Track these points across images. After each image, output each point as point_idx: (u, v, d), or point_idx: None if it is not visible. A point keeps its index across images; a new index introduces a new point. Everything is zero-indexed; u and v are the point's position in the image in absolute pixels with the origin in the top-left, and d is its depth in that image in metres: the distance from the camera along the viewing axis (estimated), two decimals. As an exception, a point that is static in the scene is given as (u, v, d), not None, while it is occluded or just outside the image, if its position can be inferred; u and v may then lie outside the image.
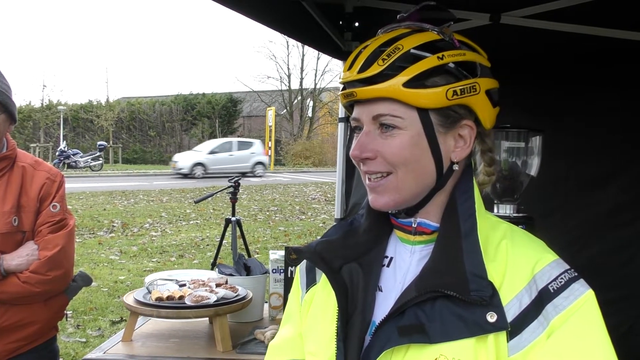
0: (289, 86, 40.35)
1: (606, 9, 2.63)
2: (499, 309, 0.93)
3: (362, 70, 1.01)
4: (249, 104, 40.41)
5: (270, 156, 32.13)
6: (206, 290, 2.29)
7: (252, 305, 2.42)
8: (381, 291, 1.07)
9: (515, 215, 2.46)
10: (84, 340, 5.21)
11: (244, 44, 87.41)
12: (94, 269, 7.76)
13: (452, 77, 1.01)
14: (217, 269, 2.65)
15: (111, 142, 33.45)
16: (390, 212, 1.10)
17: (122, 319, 5.66)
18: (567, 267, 1.00)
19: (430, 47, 1.01)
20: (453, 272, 0.97)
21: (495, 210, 2.52)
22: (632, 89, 2.97)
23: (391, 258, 1.10)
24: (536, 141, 2.53)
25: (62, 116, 32.57)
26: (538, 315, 0.94)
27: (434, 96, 0.99)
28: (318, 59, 39.89)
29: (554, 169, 2.74)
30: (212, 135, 35.65)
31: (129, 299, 2.27)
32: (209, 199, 8.63)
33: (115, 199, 15.69)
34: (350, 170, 3.71)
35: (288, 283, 2.48)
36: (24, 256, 2.17)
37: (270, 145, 32.22)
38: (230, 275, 2.53)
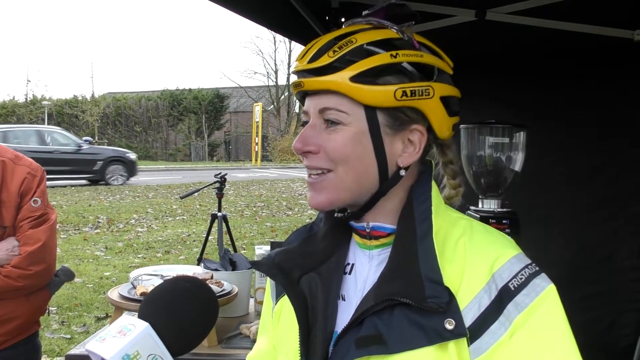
0: (276, 82, 40.30)
1: (590, 6, 2.65)
2: (457, 315, 0.90)
3: (312, 60, 0.98)
4: (236, 99, 40.29)
5: (257, 152, 32.09)
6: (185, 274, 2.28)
7: (238, 300, 2.42)
8: (344, 300, 1.03)
9: (499, 210, 2.48)
10: (68, 336, 5.18)
11: (231, 39, 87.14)
12: (79, 265, 7.71)
13: (406, 78, 0.97)
14: (202, 264, 2.65)
15: (96, 137, 33.20)
16: (337, 214, 1.06)
17: (107, 315, 5.63)
18: (528, 261, 0.97)
19: (385, 44, 0.97)
20: (409, 278, 0.93)
21: (480, 206, 2.54)
22: (615, 85, 3.00)
23: (352, 265, 1.06)
24: (520, 137, 2.55)
25: (46, 111, 32.31)
26: (499, 315, 0.90)
27: (382, 94, 0.95)
28: (305, 54, 39.73)
29: (538, 164, 2.77)
30: (199, 131, 35.54)
31: (114, 294, 2.26)
32: (196, 194, 8.57)
33: (101, 195, 15.60)
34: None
35: (274, 278, 2.48)
36: (4, 251, 2.16)
37: (257, 141, 32.17)
38: (216, 270, 2.53)
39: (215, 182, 5.82)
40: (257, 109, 32.89)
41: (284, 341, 1.09)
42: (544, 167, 3.03)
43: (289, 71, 40.97)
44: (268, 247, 2.55)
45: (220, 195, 5.86)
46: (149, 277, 2.38)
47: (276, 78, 40.39)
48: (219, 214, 5.78)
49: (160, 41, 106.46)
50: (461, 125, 2.63)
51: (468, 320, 0.91)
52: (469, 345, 0.90)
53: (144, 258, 8.28)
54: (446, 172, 1.11)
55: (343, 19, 3.49)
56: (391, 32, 0.99)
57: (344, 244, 1.08)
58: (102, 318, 5.67)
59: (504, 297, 0.91)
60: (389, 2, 1.03)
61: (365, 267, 1.05)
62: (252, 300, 2.64)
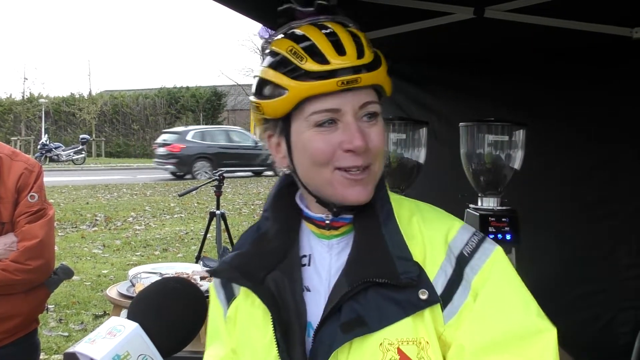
0: (274, 80, 40.18)
1: (589, 4, 2.65)
2: (428, 285, 0.98)
3: (360, 56, 0.98)
4: (234, 97, 40.22)
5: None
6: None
7: (237, 298, 2.42)
8: (309, 291, 1.06)
9: (499, 208, 2.48)
10: (66, 334, 5.17)
11: (229, 37, 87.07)
12: (76, 263, 7.69)
13: None
14: (201, 262, 2.64)
15: (94, 135, 33.18)
16: (333, 209, 1.06)
17: (105, 313, 5.62)
18: (473, 229, 1.07)
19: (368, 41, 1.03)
20: (379, 259, 0.99)
21: (479, 204, 2.54)
22: (614, 83, 3.01)
23: (309, 256, 1.08)
24: (520, 135, 2.55)
25: (43, 109, 32.24)
26: (461, 280, 0.99)
27: (389, 85, 1.04)
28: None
29: (537, 162, 2.77)
30: (196, 129, 35.47)
31: (113, 292, 2.26)
32: (194, 192, 8.56)
33: (98, 193, 15.57)
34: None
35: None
36: (2, 246, 2.16)
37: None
38: (210, 272, 2.53)
39: (213, 180, 5.81)
40: (255, 106, 32.84)
41: (247, 341, 1.09)
42: (543, 165, 3.03)
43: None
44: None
45: (218, 193, 5.85)
46: (148, 275, 2.38)
47: (274, 76, 40.31)
48: (218, 211, 5.77)
49: (157, 39, 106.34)
50: (460, 123, 2.63)
51: (439, 289, 0.99)
52: (442, 310, 0.98)
53: (142, 256, 8.27)
54: None
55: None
56: (356, 30, 1.04)
57: (295, 238, 1.10)
58: (100, 316, 5.67)
59: (461, 263, 1.01)
60: (318, 3, 1.04)
61: (325, 256, 1.08)
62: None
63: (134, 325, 1.00)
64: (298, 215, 1.11)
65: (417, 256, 1.00)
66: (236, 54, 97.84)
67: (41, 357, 4.50)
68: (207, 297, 1.17)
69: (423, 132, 2.59)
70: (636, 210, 3.03)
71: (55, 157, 26.46)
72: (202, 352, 2.12)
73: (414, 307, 0.97)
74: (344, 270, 1.02)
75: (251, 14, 2.86)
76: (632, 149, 2.99)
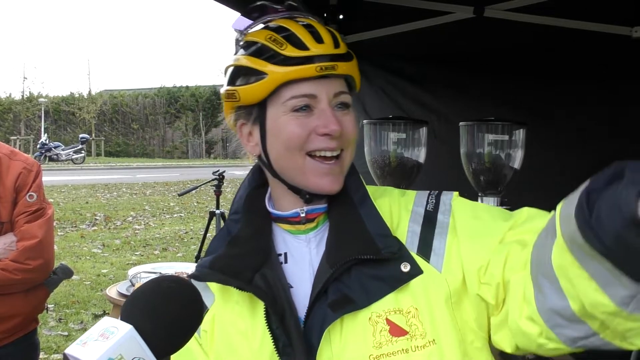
0: (274, 79, 40.19)
1: (589, 3, 2.65)
2: (409, 258, 1.02)
3: (337, 45, 1.04)
4: (233, 96, 40.19)
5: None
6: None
7: (236, 297, 2.42)
8: (292, 287, 1.07)
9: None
10: (65, 333, 5.17)
11: (228, 36, 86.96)
12: (76, 262, 7.69)
13: None
14: (201, 262, 2.64)
15: (93, 135, 33.16)
16: (305, 197, 1.08)
17: (104, 313, 5.62)
18: (428, 191, 1.12)
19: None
20: (360, 238, 1.03)
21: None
22: (614, 82, 3.00)
23: (285, 254, 1.10)
24: (519, 134, 2.54)
25: (43, 109, 32.21)
26: (434, 228, 1.05)
27: (359, 80, 1.08)
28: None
29: (537, 161, 2.77)
30: (196, 129, 35.48)
31: (112, 291, 2.26)
32: (193, 191, 8.55)
33: (98, 192, 15.57)
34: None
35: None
36: (1, 245, 2.16)
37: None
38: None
39: (213, 180, 5.82)
40: (255, 106, 32.84)
41: (231, 353, 1.08)
42: (544, 165, 3.03)
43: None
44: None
45: (218, 192, 5.85)
46: (147, 275, 2.38)
47: (273, 75, 40.33)
48: (217, 211, 5.78)
49: (157, 38, 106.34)
50: (460, 123, 2.63)
51: (414, 248, 1.04)
52: (429, 264, 1.02)
53: (142, 255, 8.27)
54: None
55: (341, 16, 3.48)
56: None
57: (268, 238, 1.12)
58: (99, 315, 5.66)
59: (430, 218, 1.06)
60: (287, 3, 1.11)
61: (304, 251, 1.09)
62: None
63: (127, 328, 0.96)
64: (268, 217, 1.13)
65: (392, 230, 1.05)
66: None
67: (41, 356, 4.50)
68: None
69: (423, 131, 2.59)
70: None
71: (55, 156, 26.45)
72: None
73: (397, 280, 1.01)
74: (325, 255, 1.04)
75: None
76: (633, 147, 2.98)
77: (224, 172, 5.87)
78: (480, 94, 3.24)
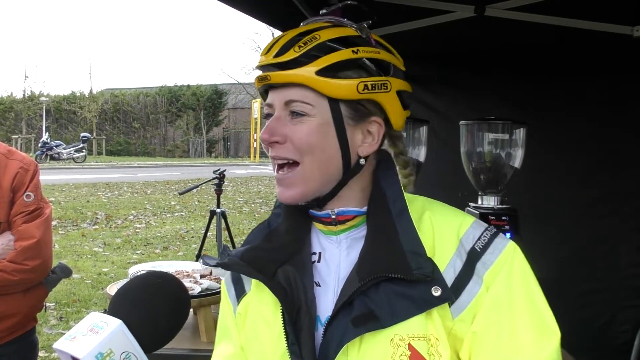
0: (275, 78, 40.14)
1: (589, 3, 2.65)
2: (442, 282, 0.98)
3: (278, 55, 1.03)
4: (234, 95, 40.22)
5: (255, 148, 32.08)
6: (190, 281, 2.28)
7: (237, 296, 2.42)
8: (319, 286, 1.07)
9: (499, 207, 2.48)
10: (66, 332, 5.18)
11: (230, 35, 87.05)
12: (77, 261, 7.70)
13: (365, 72, 1.04)
14: (201, 260, 2.64)
15: (94, 133, 33.18)
16: (300, 204, 1.09)
17: (105, 311, 5.62)
18: (486, 225, 1.06)
19: (346, 42, 1.03)
20: (392, 253, 1.00)
21: (479, 202, 2.54)
22: (615, 81, 3.00)
23: (319, 253, 1.10)
24: (520, 133, 2.54)
25: (44, 107, 32.23)
26: (472, 275, 0.99)
27: (346, 87, 1.01)
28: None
29: (537, 160, 2.76)
30: (197, 128, 35.48)
31: (113, 290, 2.26)
32: (194, 190, 8.58)
33: (99, 191, 15.57)
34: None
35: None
36: None
37: (255, 138, 32.14)
38: (215, 266, 2.53)
39: (214, 179, 5.82)
40: (256, 105, 32.84)
41: (255, 338, 1.11)
42: (544, 164, 3.03)
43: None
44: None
45: (219, 191, 5.85)
46: (148, 273, 2.38)
47: (275, 74, 40.27)
48: (218, 210, 5.78)
49: (158, 37, 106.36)
50: (461, 122, 2.63)
51: (448, 281, 0.99)
52: (450, 306, 0.98)
53: (142, 254, 8.27)
54: (398, 163, 1.17)
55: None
56: (350, 30, 1.05)
57: (306, 235, 1.12)
58: (100, 314, 5.67)
59: (472, 258, 1.01)
60: (345, 2, 1.10)
61: (334, 252, 1.09)
62: (250, 297, 2.63)
63: (117, 322, 0.98)
64: (307, 215, 1.13)
65: (428, 251, 1.00)
66: (237, 52, 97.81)
67: (42, 354, 4.51)
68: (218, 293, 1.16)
69: (423, 130, 2.59)
70: (637, 209, 3.03)
71: (56, 155, 26.46)
72: (201, 350, 2.12)
73: (426, 303, 0.97)
74: (356, 265, 1.03)
75: (252, 12, 2.86)
76: (634, 146, 2.98)
77: (224, 171, 5.88)
78: (481, 93, 3.24)
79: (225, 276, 1.20)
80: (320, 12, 1.09)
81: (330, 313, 1.03)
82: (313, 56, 1.01)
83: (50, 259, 2.31)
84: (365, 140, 1.07)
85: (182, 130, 35.87)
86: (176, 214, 11.94)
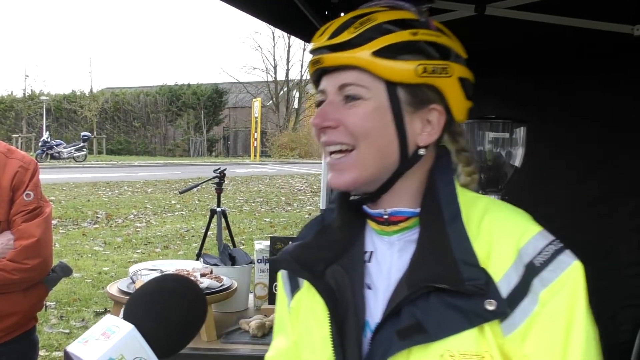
0: (275, 77, 40.23)
1: (590, 1, 2.65)
2: (497, 295, 0.91)
3: (332, 37, 0.99)
4: (235, 95, 40.22)
5: (256, 147, 32.08)
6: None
7: (237, 295, 2.42)
8: (369, 289, 1.03)
9: None
10: (67, 331, 5.18)
11: (230, 34, 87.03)
12: (77, 260, 7.70)
13: (424, 56, 0.98)
14: (201, 259, 2.64)
15: (95, 133, 33.18)
16: (353, 194, 1.06)
17: (106, 310, 5.63)
18: (552, 238, 0.97)
19: (404, 24, 0.99)
20: (442, 262, 0.94)
21: None
22: (615, 80, 3.00)
23: (371, 252, 1.06)
24: (520, 132, 2.54)
25: (44, 106, 32.24)
26: (527, 291, 0.91)
27: (404, 70, 0.97)
28: (304, 50, 39.72)
29: (538, 159, 2.76)
30: (198, 127, 35.48)
31: (113, 288, 2.26)
32: (194, 189, 8.56)
33: (100, 190, 15.58)
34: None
35: (273, 273, 2.48)
36: None
37: (256, 137, 32.14)
38: (215, 265, 2.53)
39: (214, 178, 5.82)
40: (256, 104, 32.85)
41: (307, 335, 1.08)
42: (544, 163, 3.02)
43: (287, 66, 41.04)
44: (267, 243, 2.54)
45: (219, 190, 5.86)
46: (148, 272, 2.38)
47: (275, 73, 40.38)
48: (218, 209, 5.78)
49: (158, 36, 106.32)
50: None
51: (503, 294, 0.92)
52: (500, 322, 0.91)
53: (143, 253, 8.28)
54: (460, 160, 1.11)
55: (342, 14, 3.48)
56: (409, 13, 1.01)
57: (360, 233, 1.08)
58: (100, 313, 5.67)
59: (529, 273, 0.92)
60: None
61: (386, 254, 1.04)
62: (251, 295, 2.64)
63: (129, 327, 0.96)
64: (362, 212, 1.08)
65: (481, 260, 0.93)
66: (237, 51, 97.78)
67: (42, 354, 4.51)
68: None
69: (424, 129, 2.60)
70: (637, 208, 3.03)
71: (57, 154, 26.47)
72: (201, 349, 2.12)
73: (479, 317, 0.90)
74: (406, 273, 0.97)
75: (252, 11, 2.86)
76: (634, 146, 2.98)
77: (224, 170, 5.88)
78: (481, 92, 3.21)
79: (282, 269, 1.17)
80: None
81: (378, 319, 0.98)
82: (369, 37, 0.96)
83: (51, 258, 2.31)
84: (425, 129, 1.01)
85: (182, 130, 35.87)
86: (176, 213, 11.94)
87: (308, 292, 1.08)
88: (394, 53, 0.96)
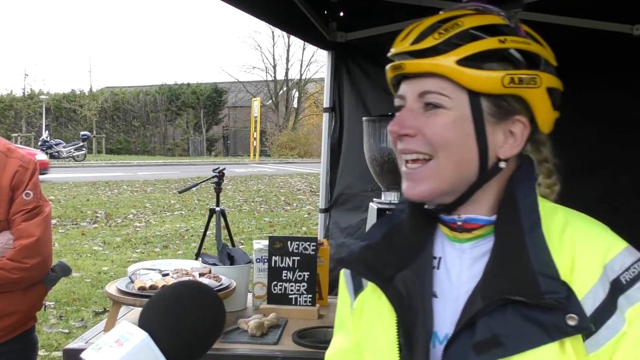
0: (275, 77, 40.21)
1: (589, 1, 2.65)
2: (579, 309, 0.87)
3: (415, 42, 0.95)
4: (234, 94, 40.23)
5: (255, 147, 32.08)
6: (189, 279, 2.28)
7: (236, 294, 2.42)
8: (436, 297, 0.99)
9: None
10: (66, 331, 5.18)
11: (230, 33, 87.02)
12: (77, 260, 7.70)
13: (511, 65, 0.94)
14: (200, 259, 2.64)
15: (94, 132, 33.16)
16: (427, 206, 1.02)
17: (105, 310, 5.62)
18: (639, 255, 0.93)
19: (492, 30, 0.94)
20: (520, 274, 0.90)
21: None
22: (615, 79, 3.00)
23: (440, 258, 1.02)
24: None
25: (44, 106, 32.23)
26: (615, 309, 0.88)
27: (489, 80, 0.92)
28: (304, 49, 39.78)
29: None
30: (197, 126, 35.48)
31: (112, 288, 2.26)
32: (194, 189, 8.56)
33: (99, 190, 15.57)
34: (334, 161, 3.71)
35: (272, 273, 2.48)
36: None
37: (255, 136, 32.14)
38: (214, 264, 2.53)
39: (213, 177, 5.82)
40: (256, 104, 32.86)
41: (371, 338, 1.05)
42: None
43: (287, 66, 40.95)
44: (266, 242, 2.54)
45: (218, 190, 5.85)
46: (147, 272, 2.38)
47: (274, 73, 40.34)
48: (217, 208, 5.78)
49: (158, 35, 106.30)
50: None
51: (588, 311, 0.88)
52: (584, 340, 0.88)
53: (142, 253, 8.27)
54: (540, 171, 1.07)
55: (342, 13, 3.48)
56: (497, 18, 0.96)
57: (430, 237, 1.04)
58: (100, 313, 5.67)
59: (615, 290, 0.88)
60: None
61: (456, 261, 1.00)
62: (250, 295, 2.63)
63: (143, 335, 0.94)
64: (433, 215, 1.04)
65: (563, 273, 0.89)
66: (237, 50, 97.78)
67: (41, 353, 4.51)
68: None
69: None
70: (637, 207, 3.03)
71: (56, 153, 26.45)
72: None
73: (560, 331, 0.86)
74: (480, 283, 0.94)
75: (252, 11, 2.86)
76: (633, 145, 2.98)
77: (224, 169, 5.87)
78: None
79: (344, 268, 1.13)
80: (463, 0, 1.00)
81: (447, 330, 0.96)
82: (454, 44, 0.92)
83: (50, 257, 2.31)
84: (507, 142, 0.97)
85: (182, 129, 35.87)
86: (176, 213, 11.93)
87: (373, 294, 1.05)
88: (479, 61, 0.92)
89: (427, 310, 0.97)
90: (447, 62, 0.92)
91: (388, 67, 1.00)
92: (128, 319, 2.37)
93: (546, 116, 1.00)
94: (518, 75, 0.93)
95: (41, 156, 19.02)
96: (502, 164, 0.97)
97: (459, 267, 0.99)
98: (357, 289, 1.10)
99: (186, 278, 2.30)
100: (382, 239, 1.05)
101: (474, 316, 0.91)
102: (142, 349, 0.94)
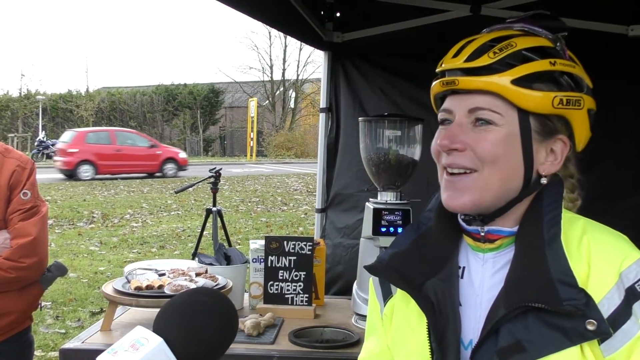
0: (271, 77, 40.19)
1: (585, 2, 2.66)
2: (598, 315, 0.90)
3: (469, 60, 0.99)
4: (231, 94, 40.20)
5: (252, 147, 32.06)
6: (186, 279, 2.28)
7: (232, 294, 2.42)
8: (460, 305, 1.03)
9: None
10: (63, 331, 5.17)
11: (226, 34, 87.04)
12: (73, 260, 7.69)
13: (556, 86, 0.99)
14: (197, 259, 2.64)
15: (91, 132, 33.07)
16: (461, 217, 1.06)
17: (102, 310, 5.62)
18: None
19: (542, 52, 0.99)
20: (539, 282, 0.94)
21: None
22: (610, 80, 3.00)
23: (464, 268, 1.06)
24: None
25: (40, 106, 32.18)
26: (630, 315, 0.91)
27: (540, 100, 0.97)
28: (300, 50, 39.78)
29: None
30: (194, 126, 35.45)
31: (108, 288, 2.26)
32: (190, 189, 8.55)
33: (95, 190, 15.56)
34: (331, 161, 3.70)
35: (268, 272, 2.48)
36: None
37: (252, 136, 32.12)
38: (210, 264, 2.53)
39: (210, 177, 5.82)
40: (252, 104, 32.84)
41: (402, 343, 1.08)
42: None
43: (284, 66, 41.01)
44: (263, 242, 2.55)
45: (215, 190, 5.85)
46: (143, 272, 2.38)
47: (271, 73, 40.32)
48: (214, 208, 5.78)
49: (155, 36, 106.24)
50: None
51: (604, 317, 0.92)
52: (600, 344, 0.91)
53: (139, 253, 8.27)
54: (565, 186, 1.10)
55: (338, 14, 3.48)
56: (545, 41, 1.02)
57: (455, 247, 1.08)
58: (96, 313, 5.67)
59: (630, 298, 0.92)
60: (535, 12, 1.07)
61: (478, 271, 1.05)
62: (246, 295, 2.64)
63: (158, 340, 0.96)
64: (458, 225, 1.08)
65: (580, 281, 0.93)
66: (234, 51, 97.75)
67: (38, 354, 4.50)
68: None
69: (418, 129, 2.59)
70: (632, 206, 3.04)
71: (52, 153, 26.39)
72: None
73: (580, 336, 0.90)
74: (502, 291, 0.98)
75: (249, 11, 2.86)
76: (630, 144, 2.99)
77: (220, 169, 5.87)
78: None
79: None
80: (507, 20, 1.06)
81: (471, 336, 1.00)
82: (508, 64, 0.97)
83: (46, 257, 2.31)
84: (548, 159, 1.02)
85: (178, 129, 35.83)
86: (172, 213, 11.93)
87: (402, 300, 1.09)
88: (530, 82, 0.97)
89: (457, 318, 1.01)
90: (502, 81, 0.96)
91: (437, 82, 1.04)
92: (125, 319, 2.38)
93: (584, 136, 1.05)
94: (566, 97, 0.99)
95: (182, 154, 22.87)
96: (544, 180, 1.02)
97: (481, 276, 1.04)
98: (387, 295, 1.14)
99: (182, 278, 2.30)
100: (410, 247, 1.09)
101: (497, 323, 0.95)
102: (157, 353, 0.95)
